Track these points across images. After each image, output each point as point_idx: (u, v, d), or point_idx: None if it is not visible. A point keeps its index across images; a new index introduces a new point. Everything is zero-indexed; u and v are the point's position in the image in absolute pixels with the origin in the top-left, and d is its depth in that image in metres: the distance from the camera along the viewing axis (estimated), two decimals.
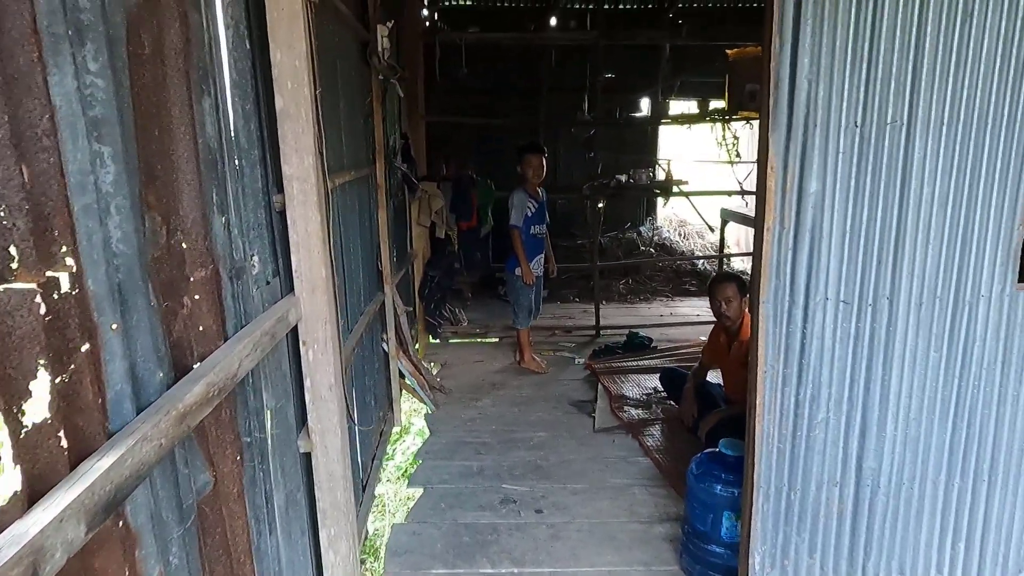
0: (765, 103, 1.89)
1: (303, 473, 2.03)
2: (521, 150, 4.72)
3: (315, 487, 2.03)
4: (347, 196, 2.93)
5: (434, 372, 4.92)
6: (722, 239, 7.59)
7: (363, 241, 3.28)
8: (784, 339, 1.99)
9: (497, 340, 5.80)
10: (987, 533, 2.15)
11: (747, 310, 3.72)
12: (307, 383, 1.95)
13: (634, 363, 5.05)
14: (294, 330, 1.92)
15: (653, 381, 4.71)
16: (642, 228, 8.23)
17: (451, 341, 5.77)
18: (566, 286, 7.24)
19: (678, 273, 7.57)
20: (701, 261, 7.79)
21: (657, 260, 7.52)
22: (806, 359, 2.00)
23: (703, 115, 5.40)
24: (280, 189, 1.85)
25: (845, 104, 1.85)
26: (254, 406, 1.65)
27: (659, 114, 5.22)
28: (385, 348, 3.87)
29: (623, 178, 5.38)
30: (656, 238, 8.04)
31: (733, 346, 3.73)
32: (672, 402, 4.25)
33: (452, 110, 7.39)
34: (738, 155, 6.13)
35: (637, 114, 6.71)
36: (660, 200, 6.30)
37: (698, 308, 6.87)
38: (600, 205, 5.62)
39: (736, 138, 6.61)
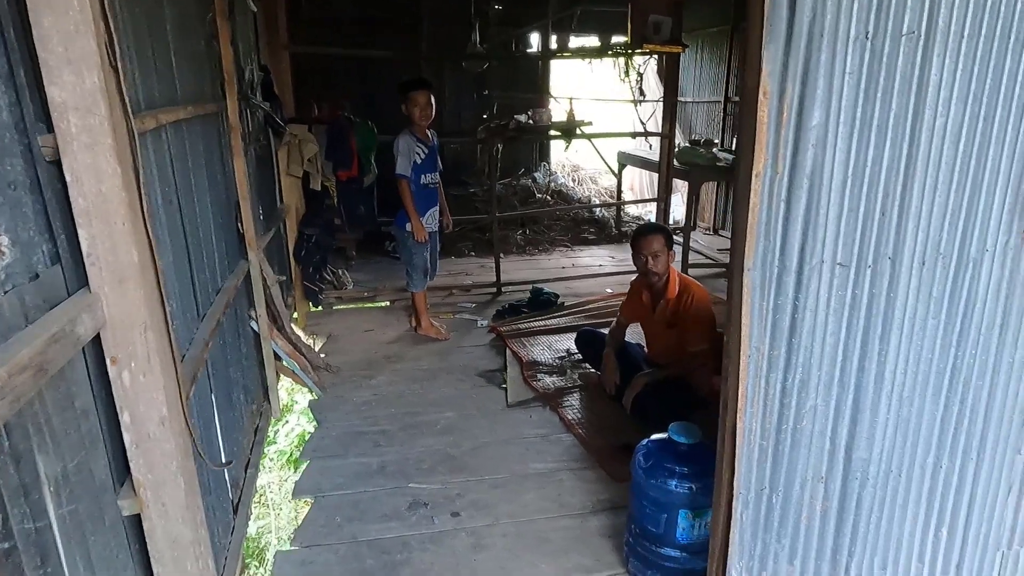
0: (757, 6, 1.40)
1: (130, 544, 1.40)
2: (404, 87, 4.04)
3: (151, 560, 1.41)
4: (186, 139, 2.20)
5: (317, 348, 4.26)
6: (620, 183, 7.30)
7: (214, 198, 2.56)
8: (771, 314, 1.58)
9: (389, 304, 5.19)
10: (971, 515, 1.91)
11: (673, 266, 3.38)
12: (124, 418, 1.31)
13: (542, 323, 4.64)
14: (96, 342, 1.27)
15: (565, 342, 4.33)
16: (536, 174, 7.78)
17: (336, 308, 5.09)
18: (460, 239, 6.69)
19: (576, 221, 7.22)
20: (599, 208, 7.48)
21: (557, 209, 7.12)
22: (796, 337, 1.61)
23: (604, 49, 4.94)
24: (49, 127, 1.17)
25: (856, 6, 1.40)
26: (15, 484, 1.01)
27: (560, 47, 4.70)
28: (255, 328, 3.18)
29: (522, 118, 4.84)
30: (552, 184, 7.62)
31: (659, 305, 3.38)
32: (589, 365, 3.89)
33: (323, 41, 6.47)
34: (642, 93, 5.76)
35: (533, 49, 6.12)
36: (560, 144, 5.82)
37: (599, 258, 6.57)
38: (497, 149, 5.08)
39: (640, 75, 6.25)
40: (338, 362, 4.01)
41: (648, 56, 5.14)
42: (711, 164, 5.84)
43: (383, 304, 5.20)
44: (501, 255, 5.64)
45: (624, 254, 6.73)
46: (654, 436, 2.27)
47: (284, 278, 4.10)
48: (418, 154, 4.06)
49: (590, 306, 4.99)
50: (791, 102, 1.44)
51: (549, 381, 3.79)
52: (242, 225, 2.90)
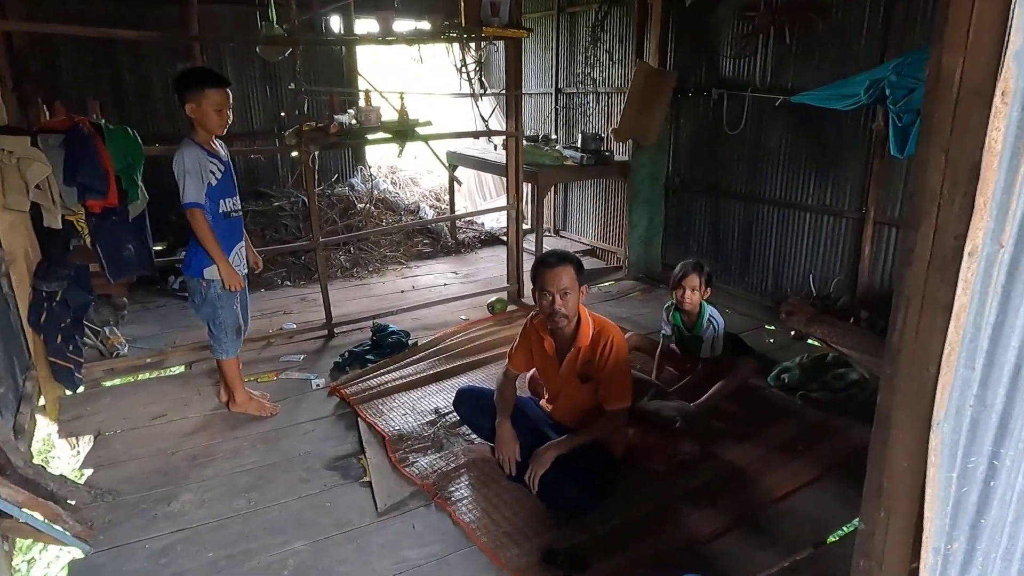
0: None
1: None
2: (189, 81, 2.86)
3: None
4: None
5: (79, 463, 2.95)
6: (452, 189, 6.50)
7: None
8: (955, 486, 0.89)
9: (184, 369, 3.91)
10: None
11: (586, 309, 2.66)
12: None
13: (398, 375, 3.71)
14: None
15: (431, 398, 3.47)
16: (354, 180, 6.70)
17: (106, 385, 3.70)
18: (270, 265, 5.46)
19: (407, 234, 6.30)
20: (432, 215, 6.62)
21: (403, 227, 6.12)
22: (985, 518, 0.93)
23: (436, 34, 4.10)
24: None
25: None
26: None
27: (384, 32, 3.76)
28: None
29: (345, 119, 3.83)
30: (375, 192, 6.60)
31: (568, 355, 2.65)
32: (470, 428, 3.05)
33: (58, 17, 4.84)
34: (482, 86, 5.01)
35: (351, 35, 5.01)
36: (377, 144, 4.86)
37: (440, 275, 5.75)
38: (314, 158, 4.01)
39: (479, 64, 5.48)
40: (114, 481, 2.76)
41: (488, 43, 4.39)
42: (559, 164, 5.27)
43: (176, 370, 3.91)
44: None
45: (466, 266, 5.98)
46: None
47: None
48: (212, 173, 2.92)
49: (449, 341, 4.15)
50: None
51: (426, 463, 2.90)
52: None
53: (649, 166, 5.29)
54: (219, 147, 3.03)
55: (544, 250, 5.30)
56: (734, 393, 3.36)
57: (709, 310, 3.50)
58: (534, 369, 2.93)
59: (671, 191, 5.41)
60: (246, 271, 3.22)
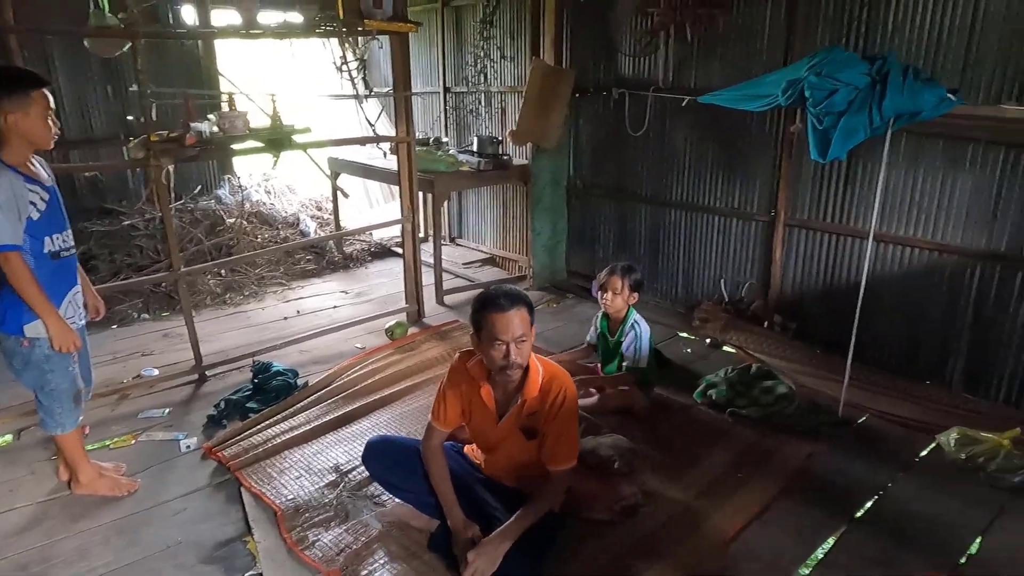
0: None
1: None
2: (2, 84, 2.21)
3: None
4: None
5: None
6: (336, 199, 5.92)
7: None
8: None
9: (10, 439, 3.15)
10: None
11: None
12: None
13: (287, 427, 3.17)
14: None
15: (329, 452, 2.99)
16: (221, 192, 5.93)
17: None
18: (121, 296, 4.66)
19: (287, 251, 5.64)
20: (314, 227, 5.98)
21: (282, 246, 5.43)
22: None
23: (311, 28, 3.57)
24: None
25: None
26: None
27: (248, 24, 3.17)
28: None
29: (205, 127, 3.22)
30: (247, 204, 5.87)
31: (511, 408, 2.26)
32: (384, 487, 2.58)
33: None
34: (366, 86, 4.48)
35: (207, 27, 4.24)
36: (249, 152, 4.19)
37: (328, 295, 5.18)
38: (168, 173, 3.35)
39: (362, 62, 4.92)
40: None
41: (371, 38, 3.89)
42: (455, 169, 4.87)
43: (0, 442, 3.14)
44: (194, 313, 3.90)
45: (357, 283, 5.46)
46: None
47: None
48: (34, 204, 2.27)
49: (346, 378, 3.64)
50: None
51: (330, 540, 2.41)
52: None
53: (550, 170, 5.01)
54: (39, 168, 2.38)
55: (442, 262, 4.93)
56: (610, 411, 3.21)
57: (633, 316, 3.29)
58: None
59: (574, 196, 5.16)
60: (83, 322, 2.57)
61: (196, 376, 3.69)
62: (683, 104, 4.10)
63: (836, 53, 2.90)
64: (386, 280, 5.48)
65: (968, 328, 3.36)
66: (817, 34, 3.58)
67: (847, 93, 2.77)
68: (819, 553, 2.33)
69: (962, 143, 3.21)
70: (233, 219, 5.60)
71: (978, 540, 2.39)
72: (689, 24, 4.02)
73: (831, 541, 2.39)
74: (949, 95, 2.70)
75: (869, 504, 2.60)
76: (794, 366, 3.70)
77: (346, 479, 2.77)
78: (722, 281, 4.37)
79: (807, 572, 2.26)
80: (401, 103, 4.09)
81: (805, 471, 2.83)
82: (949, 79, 3.12)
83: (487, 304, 2.10)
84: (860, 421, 3.20)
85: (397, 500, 2.54)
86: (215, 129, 3.24)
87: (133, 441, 3.10)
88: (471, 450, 2.58)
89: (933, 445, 2.96)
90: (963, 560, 2.31)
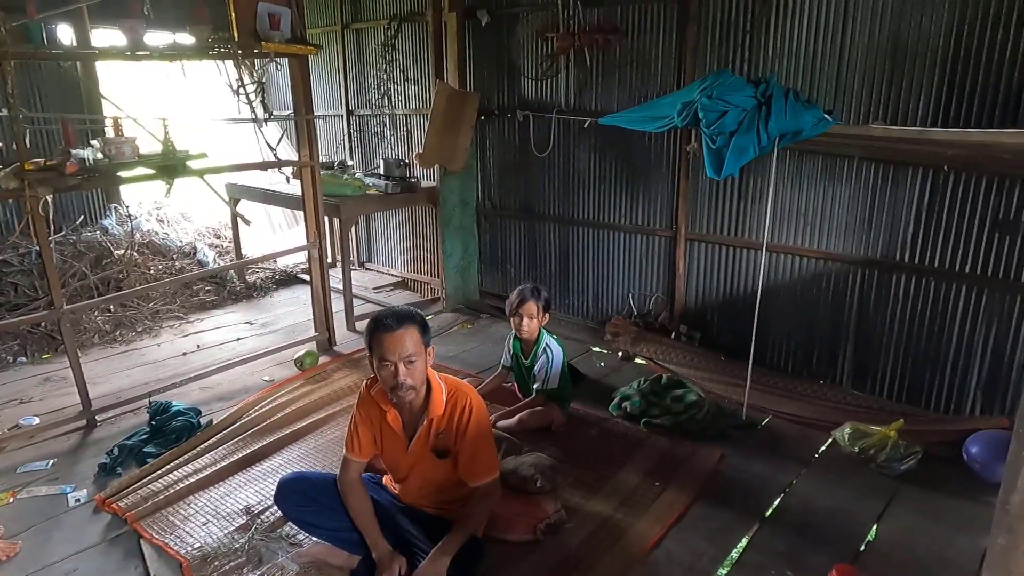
0: None
1: None
2: None
3: None
4: None
5: None
6: (236, 226, 5.67)
7: None
8: None
9: None
10: None
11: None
12: None
13: (190, 471, 2.97)
14: None
15: (238, 494, 2.82)
16: (107, 221, 5.54)
17: None
18: None
19: (184, 282, 5.33)
20: (212, 256, 5.69)
21: (177, 278, 5.10)
22: None
23: (203, 49, 3.41)
24: None
25: None
26: None
27: (134, 45, 2.99)
28: None
29: (88, 154, 3.01)
30: (137, 234, 5.51)
31: (419, 430, 2.22)
32: (299, 527, 2.46)
33: None
34: (265, 109, 4.31)
35: (87, 48, 3.94)
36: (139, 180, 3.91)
37: (231, 327, 4.93)
38: (46, 203, 3.09)
39: (260, 84, 4.73)
40: None
41: (268, 61, 3.78)
42: (361, 193, 4.79)
43: None
44: (80, 353, 3.61)
45: (262, 313, 5.25)
46: None
47: None
48: None
49: (254, 413, 3.47)
50: None
51: None
52: None
53: (458, 192, 5.02)
54: None
55: (352, 287, 4.81)
56: (530, 429, 3.21)
57: (545, 339, 3.33)
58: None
59: (483, 216, 5.19)
60: None
61: (84, 422, 3.41)
62: (585, 126, 4.23)
63: (724, 77, 3.07)
64: (293, 308, 5.29)
65: (853, 330, 3.62)
66: (706, 59, 3.79)
67: (736, 114, 2.94)
68: (734, 553, 2.43)
69: (839, 160, 3.49)
70: (122, 251, 5.25)
71: (874, 528, 2.56)
72: (587, 48, 4.17)
73: (745, 541, 2.49)
74: (826, 115, 2.92)
75: (777, 502, 2.74)
76: (701, 373, 3.86)
77: (258, 521, 2.62)
78: (630, 295, 4.51)
79: (724, 572, 2.34)
80: (303, 127, 3.99)
81: (717, 475, 2.94)
82: (825, 101, 3.39)
83: (376, 325, 2.10)
84: (764, 423, 3.37)
85: (314, 539, 2.43)
86: (99, 156, 3.03)
87: (11, 499, 2.81)
88: (389, 480, 2.51)
89: (830, 441, 3.16)
90: (862, 548, 2.46)
